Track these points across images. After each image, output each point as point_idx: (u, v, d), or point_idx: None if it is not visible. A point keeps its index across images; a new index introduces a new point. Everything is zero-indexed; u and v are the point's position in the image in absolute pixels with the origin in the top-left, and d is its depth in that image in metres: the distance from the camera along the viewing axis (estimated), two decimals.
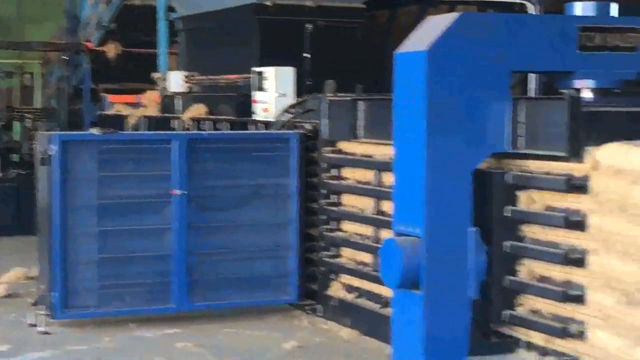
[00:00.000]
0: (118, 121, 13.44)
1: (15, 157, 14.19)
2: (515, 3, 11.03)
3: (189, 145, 9.03)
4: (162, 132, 10.97)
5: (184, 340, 8.38)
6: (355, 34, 11.58)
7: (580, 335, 6.45)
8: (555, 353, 6.67)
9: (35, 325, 8.65)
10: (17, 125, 15.74)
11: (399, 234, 6.98)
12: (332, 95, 9.52)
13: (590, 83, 7.24)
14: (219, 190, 9.10)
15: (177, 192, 8.85)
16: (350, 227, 8.97)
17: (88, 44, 15.94)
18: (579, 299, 6.46)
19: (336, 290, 9.00)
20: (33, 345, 8.21)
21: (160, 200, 8.89)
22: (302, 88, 10.41)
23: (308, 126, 9.44)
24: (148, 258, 8.89)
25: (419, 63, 6.73)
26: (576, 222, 6.47)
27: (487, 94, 6.83)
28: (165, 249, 8.91)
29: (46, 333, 8.53)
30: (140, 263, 8.88)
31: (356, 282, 8.74)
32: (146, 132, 12.17)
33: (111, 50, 15.74)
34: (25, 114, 16.06)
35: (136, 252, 8.88)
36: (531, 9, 11.43)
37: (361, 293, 8.65)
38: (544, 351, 6.76)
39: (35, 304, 8.86)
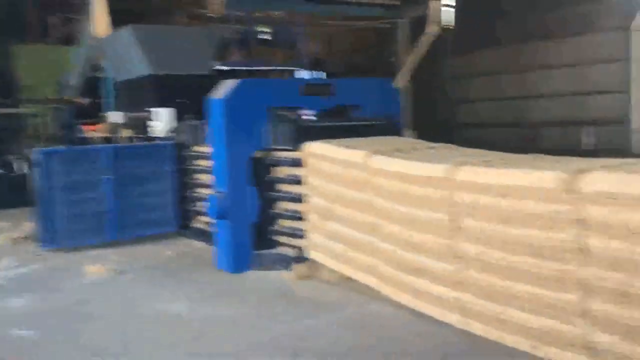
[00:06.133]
0: (86, 140, 13.37)
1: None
2: (285, 69, 11.32)
3: (115, 152, 9.14)
4: (98, 145, 10.90)
5: (115, 255, 8.54)
6: (201, 89, 11.62)
7: (303, 236, 7.06)
8: (292, 246, 7.24)
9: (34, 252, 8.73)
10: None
11: (216, 192, 7.39)
12: (189, 122, 9.67)
13: (306, 112, 7.85)
14: (131, 174, 9.11)
15: (108, 176, 9.01)
16: (201, 190, 9.16)
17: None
18: (302, 218, 7.04)
19: (195, 223, 9.29)
20: (33, 261, 8.29)
21: (99, 181, 8.92)
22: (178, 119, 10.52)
23: (178, 139, 9.67)
24: (93, 213, 8.87)
25: (220, 104, 7.20)
26: (299, 181, 7.01)
27: (256, 119, 7.27)
28: (102, 207, 8.93)
29: (39, 255, 8.55)
30: (89, 216, 8.85)
31: (203, 218, 8.94)
32: (90, 145, 11.84)
33: (83, 102, 15.64)
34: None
35: (87, 210, 8.84)
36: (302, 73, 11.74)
37: (205, 223, 8.86)
38: (287, 245, 7.31)
39: (34, 240, 8.88)
